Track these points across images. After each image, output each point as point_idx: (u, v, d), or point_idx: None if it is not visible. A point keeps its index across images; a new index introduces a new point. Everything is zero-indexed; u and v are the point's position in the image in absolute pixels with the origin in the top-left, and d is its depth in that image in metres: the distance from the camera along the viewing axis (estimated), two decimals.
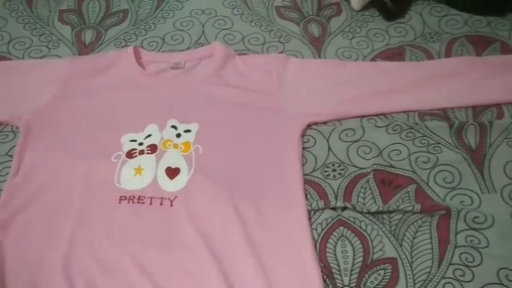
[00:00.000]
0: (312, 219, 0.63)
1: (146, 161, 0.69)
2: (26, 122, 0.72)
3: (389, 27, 0.91)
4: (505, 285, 0.57)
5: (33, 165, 0.68)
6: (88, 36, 0.89)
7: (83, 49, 0.87)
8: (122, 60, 0.80)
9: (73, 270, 0.57)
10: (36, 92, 0.75)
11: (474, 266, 0.59)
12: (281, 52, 0.87)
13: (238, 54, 0.83)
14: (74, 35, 0.90)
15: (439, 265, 0.58)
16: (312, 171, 0.69)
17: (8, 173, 0.67)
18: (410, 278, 0.58)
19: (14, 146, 0.70)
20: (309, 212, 0.64)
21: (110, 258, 0.58)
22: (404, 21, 0.92)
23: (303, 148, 0.72)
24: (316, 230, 0.62)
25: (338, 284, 0.57)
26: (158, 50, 0.87)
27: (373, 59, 0.85)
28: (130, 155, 0.69)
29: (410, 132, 0.73)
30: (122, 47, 0.87)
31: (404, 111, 0.76)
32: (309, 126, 0.74)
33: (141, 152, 0.70)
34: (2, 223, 0.61)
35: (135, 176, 0.67)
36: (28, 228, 0.61)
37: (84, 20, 0.93)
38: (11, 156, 0.69)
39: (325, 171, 0.69)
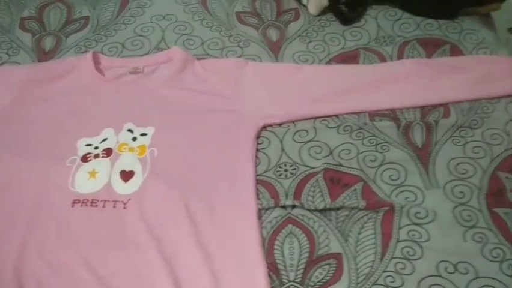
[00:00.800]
0: (263, 218, 0.65)
1: (100, 164, 0.70)
2: None
3: (345, 31, 0.94)
4: (444, 278, 0.59)
5: None
6: (48, 43, 0.91)
7: (43, 56, 0.88)
8: (80, 66, 0.82)
9: (24, 271, 0.58)
10: None
11: (415, 259, 0.61)
12: (240, 56, 0.89)
13: (198, 59, 0.85)
14: (35, 42, 0.91)
15: (382, 259, 0.61)
16: (265, 172, 0.71)
17: None
18: (353, 272, 0.60)
19: None
20: (260, 211, 0.66)
21: (59, 260, 0.60)
22: (360, 26, 0.95)
23: (258, 149, 0.74)
24: (265, 227, 0.64)
25: (284, 280, 0.59)
26: (118, 56, 0.88)
27: (328, 62, 0.88)
28: (85, 159, 0.70)
29: (359, 132, 0.76)
30: (82, 53, 0.88)
31: (356, 113, 0.79)
32: (264, 127, 0.77)
33: (96, 156, 0.71)
34: None
35: (89, 180, 0.68)
36: None
37: (45, 27, 0.94)
38: None
39: (277, 171, 0.71)
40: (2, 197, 0.66)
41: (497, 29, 0.95)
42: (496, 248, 0.62)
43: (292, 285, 0.59)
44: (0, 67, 0.85)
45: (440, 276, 0.59)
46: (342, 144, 0.74)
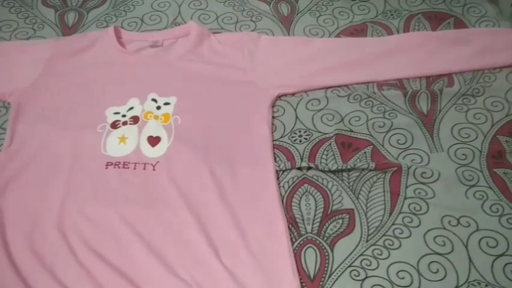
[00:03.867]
0: (280, 178, 0.71)
1: (129, 130, 0.75)
2: (16, 98, 0.78)
3: (353, 5, 0.99)
4: (448, 230, 0.65)
5: (25, 137, 0.74)
6: (71, 18, 0.95)
7: (67, 30, 0.92)
8: (103, 39, 0.86)
9: (66, 226, 0.64)
10: (24, 71, 0.81)
11: (421, 214, 0.67)
12: (253, 30, 0.93)
13: (213, 33, 0.90)
14: (58, 17, 0.95)
15: (390, 214, 0.67)
16: (280, 137, 0.76)
17: (2, 144, 0.73)
18: (364, 225, 0.66)
19: (7, 120, 0.76)
20: (277, 172, 0.71)
21: (98, 216, 0.65)
22: (367, 0, 1.00)
23: (273, 117, 0.79)
24: (283, 187, 0.70)
25: (302, 232, 0.65)
26: (138, 30, 0.92)
27: (337, 36, 0.92)
28: (114, 125, 0.75)
29: (368, 100, 0.81)
30: (104, 27, 0.92)
31: (365, 83, 0.84)
32: (278, 97, 0.81)
33: (124, 123, 0.76)
34: (0, 188, 0.67)
35: (119, 144, 0.73)
36: (23, 192, 0.67)
37: (66, 3, 0.98)
38: (4, 129, 0.75)
39: (292, 137, 0.76)
40: (38, 162, 0.71)
41: (500, 2, 0.99)
42: (495, 204, 0.67)
43: (309, 235, 0.65)
44: (27, 42, 0.89)
45: (444, 228, 0.65)
46: (352, 111, 0.79)
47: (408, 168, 0.70)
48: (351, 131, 0.76)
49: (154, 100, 0.79)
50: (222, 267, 0.60)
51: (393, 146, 0.74)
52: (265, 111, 0.78)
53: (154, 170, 0.71)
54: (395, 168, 0.70)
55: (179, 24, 0.93)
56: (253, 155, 0.73)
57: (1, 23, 0.92)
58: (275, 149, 0.74)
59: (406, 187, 0.69)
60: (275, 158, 0.73)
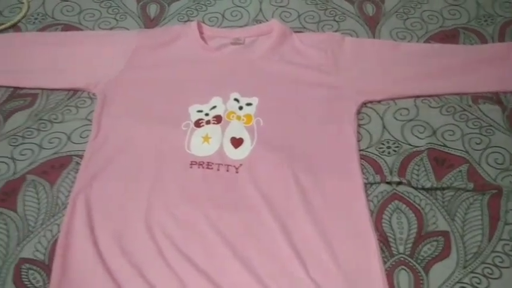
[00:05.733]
0: (368, 192, 0.67)
1: (212, 130, 0.73)
2: (101, 90, 0.77)
3: (443, 9, 0.93)
4: None
5: (110, 130, 0.73)
6: (153, 10, 0.94)
7: (149, 22, 0.91)
8: (186, 34, 0.85)
9: (152, 224, 0.63)
10: (109, 63, 0.80)
11: None
12: (336, 31, 0.90)
13: (294, 32, 0.87)
14: (140, 8, 0.94)
15: (489, 240, 0.62)
16: (367, 147, 0.73)
17: (88, 135, 0.73)
18: (461, 250, 0.62)
19: (92, 111, 0.76)
20: (365, 185, 0.68)
21: (185, 217, 0.64)
22: (458, 4, 0.94)
23: (359, 125, 0.75)
24: (372, 201, 0.67)
25: (394, 252, 0.62)
26: (219, 26, 0.91)
27: (427, 41, 0.87)
28: (197, 124, 0.74)
29: (463, 114, 0.76)
30: (185, 21, 0.91)
31: (458, 94, 0.79)
32: (363, 104, 0.78)
33: (208, 122, 0.74)
34: (87, 180, 0.67)
35: (203, 144, 0.72)
36: (109, 186, 0.67)
37: None
38: (89, 120, 0.75)
39: (380, 148, 0.73)
40: (124, 157, 0.70)
41: None
42: None
43: (402, 257, 0.61)
44: (111, 32, 0.89)
45: None
46: (445, 124, 0.75)
47: (509, 192, 0.66)
48: (445, 145, 0.72)
49: (236, 100, 0.77)
50: (311, 282, 0.58)
51: (490, 166, 0.69)
52: (351, 118, 0.75)
53: (236, 172, 0.69)
54: (494, 191, 0.66)
55: (260, 22, 0.91)
56: (340, 165, 0.69)
57: (84, 12, 0.93)
58: (362, 160, 0.71)
59: (506, 212, 0.65)
60: (362, 170, 0.70)
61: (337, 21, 0.92)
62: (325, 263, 0.60)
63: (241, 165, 0.70)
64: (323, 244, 0.61)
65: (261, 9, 0.93)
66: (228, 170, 0.70)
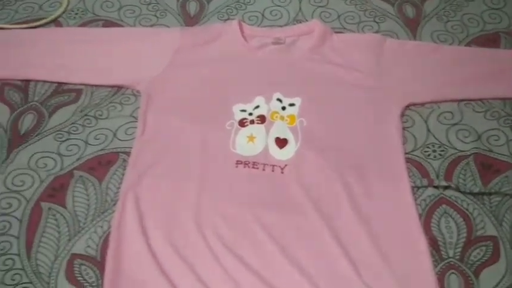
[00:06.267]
0: (416, 196, 0.67)
1: (257, 130, 0.73)
2: (146, 88, 0.77)
3: (483, 13, 0.92)
4: None
5: (155, 127, 0.73)
6: (192, 7, 0.94)
7: (189, 20, 0.91)
8: (228, 33, 0.84)
9: (202, 222, 0.64)
10: (153, 60, 0.80)
11: None
12: (376, 32, 0.89)
13: (335, 32, 0.87)
14: (180, 5, 0.94)
15: None
16: (412, 150, 0.73)
17: (133, 132, 0.73)
18: (510, 256, 0.62)
19: (136, 108, 0.76)
20: (412, 188, 0.68)
21: (233, 216, 0.64)
22: (499, 7, 0.93)
23: (402, 128, 0.74)
24: (420, 205, 0.66)
25: (444, 256, 0.62)
26: (259, 25, 0.90)
27: (468, 45, 0.87)
28: (242, 123, 0.74)
29: (507, 119, 0.75)
30: (225, 20, 0.91)
31: (501, 99, 0.78)
32: (407, 107, 0.78)
33: (251, 122, 0.75)
34: (135, 177, 0.68)
35: (248, 143, 0.72)
36: (157, 183, 0.67)
37: None
38: (134, 117, 0.76)
39: (425, 151, 0.73)
40: (171, 154, 0.70)
41: None
42: None
43: (452, 261, 0.61)
44: (153, 29, 0.89)
45: None
46: (490, 129, 0.74)
47: None
48: (491, 151, 0.72)
49: (279, 100, 0.77)
50: (363, 285, 0.58)
51: None
52: (396, 120, 0.74)
53: (282, 173, 0.69)
54: None
55: (300, 21, 0.90)
56: (386, 167, 0.69)
57: (124, 8, 0.92)
58: (407, 163, 0.70)
59: None
60: (408, 173, 0.69)
61: (377, 22, 0.91)
62: (375, 266, 0.60)
63: (286, 165, 0.70)
64: (372, 246, 0.61)
65: (300, 9, 0.93)
66: (273, 170, 0.70)
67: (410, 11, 0.93)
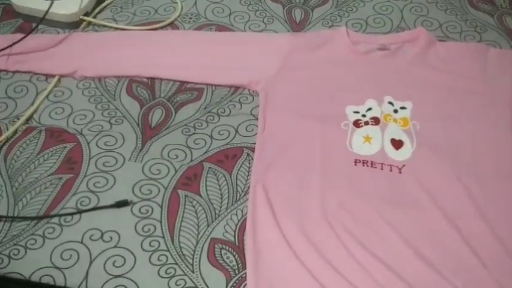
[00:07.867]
0: None
1: (372, 131, 0.77)
2: (263, 87, 0.83)
3: None
4: None
5: (274, 124, 0.78)
6: (298, 14, 0.99)
7: (295, 26, 0.96)
8: (335, 38, 0.89)
9: (329, 217, 0.67)
10: (268, 62, 0.85)
11: None
12: (478, 41, 0.92)
13: (438, 41, 0.89)
14: (286, 12, 0.99)
15: None
16: None
17: (253, 129, 0.78)
18: None
19: (254, 107, 0.81)
20: None
21: (359, 211, 0.67)
22: None
23: None
24: None
25: None
26: (363, 32, 0.94)
27: None
28: (356, 124, 0.78)
29: None
30: (329, 26, 0.96)
31: None
32: None
33: (366, 123, 0.78)
34: (262, 170, 0.72)
35: (364, 143, 0.75)
36: (282, 177, 0.71)
37: (291, 0, 1.02)
38: (253, 115, 0.80)
39: None
40: (292, 149, 0.75)
41: None
42: None
43: None
44: (265, 34, 0.93)
45: None
46: None
47: None
48: None
49: (391, 103, 0.81)
50: (493, 281, 0.60)
51: None
52: (507, 125, 0.76)
53: (400, 172, 0.72)
54: None
55: (403, 29, 0.94)
56: (505, 170, 0.71)
57: (234, 14, 0.98)
58: None
59: None
60: None
61: (478, 32, 0.93)
62: (504, 264, 0.62)
63: (404, 166, 0.73)
64: (499, 245, 0.63)
65: (402, 17, 0.97)
66: (391, 170, 0.73)
67: (511, 22, 0.95)
